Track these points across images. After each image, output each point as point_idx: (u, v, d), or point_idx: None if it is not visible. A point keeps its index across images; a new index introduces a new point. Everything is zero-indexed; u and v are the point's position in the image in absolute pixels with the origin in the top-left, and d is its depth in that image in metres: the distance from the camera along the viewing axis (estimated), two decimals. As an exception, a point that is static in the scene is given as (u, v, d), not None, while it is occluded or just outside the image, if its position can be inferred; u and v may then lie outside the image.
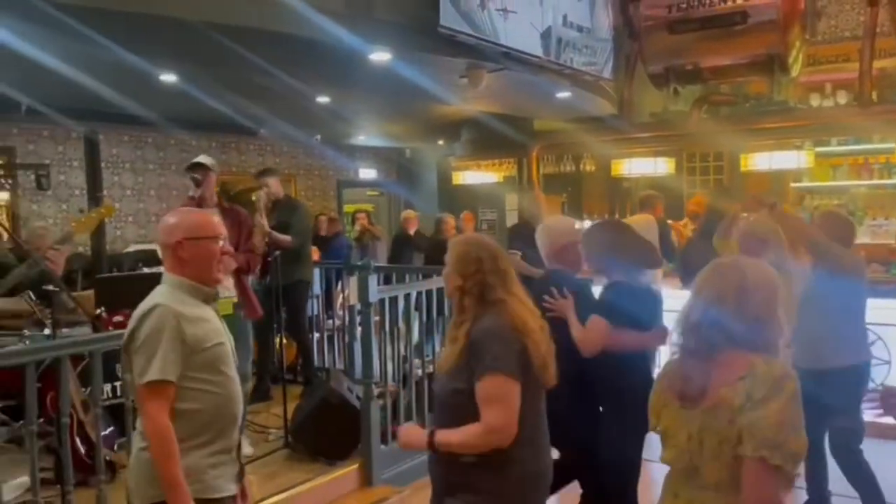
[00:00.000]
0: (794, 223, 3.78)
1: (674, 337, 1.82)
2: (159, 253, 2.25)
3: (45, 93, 5.81)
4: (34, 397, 2.79)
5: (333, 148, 10.71)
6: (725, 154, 9.05)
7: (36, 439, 2.91)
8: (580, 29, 6.33)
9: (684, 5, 7.46)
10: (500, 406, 2.06)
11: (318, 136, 9.99)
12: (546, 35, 5.72)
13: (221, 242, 2.20)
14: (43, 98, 5.96)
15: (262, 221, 4.99)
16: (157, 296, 2.11)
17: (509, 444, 2.08)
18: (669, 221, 7.62)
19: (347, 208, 11.49)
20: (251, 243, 4.49)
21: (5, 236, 5.33)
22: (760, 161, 8.12)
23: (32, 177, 7.34)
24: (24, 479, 3.88)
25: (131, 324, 2.07)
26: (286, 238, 5.16)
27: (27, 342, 4.36)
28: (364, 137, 10.65)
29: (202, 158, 4.45)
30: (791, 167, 8.25)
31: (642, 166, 8.81)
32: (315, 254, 7.70)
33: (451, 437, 2.12)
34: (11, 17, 3.46)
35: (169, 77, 5.35)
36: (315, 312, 6.61)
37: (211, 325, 2.15)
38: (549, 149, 9.83)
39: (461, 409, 2.12)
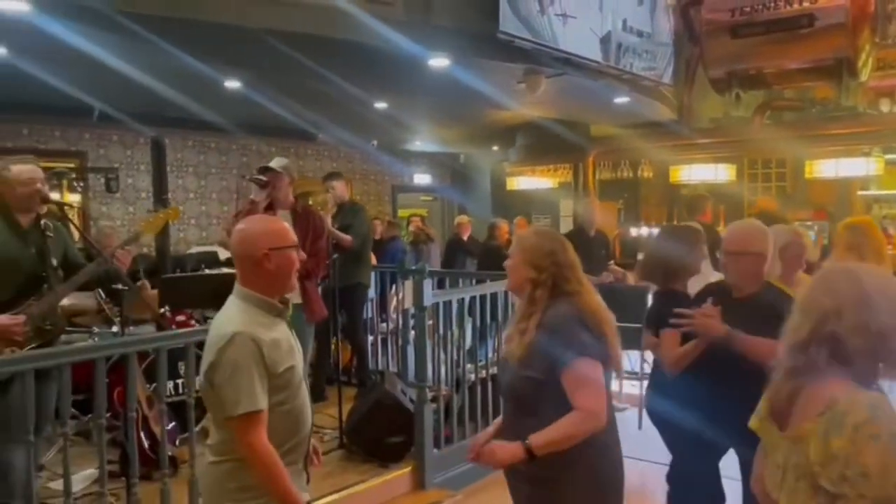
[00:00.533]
0: None
1: (781, 354, 1.64)
2: (221, 256, 2.24)
3: (117, 99, 6.05)
4: (104, 392, 2.89)
5: (389, 153, 10.82)
6: (789, 161, 8.79)
7: (103, 432, 3.01)
8: (640, 34, 6.25)
9: (748, 9, 7.32)
10: (592, 390, 2.07)
11: (375, 142, 10.11)
12: (606, 40, 5.66)
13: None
14: (114, 104, 6.19)
15: (328, 223, 5.08)
16: (233, 320, 2.02)
17: (604, 426, 2.08)
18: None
19: (402, 213, 11.59)
20: (318, 247, 4.51)
21: (76, 235, 5.55)
22: (826, 168, 7.87)
23: (102, 180, 7.64)
24: (91, 471, 4.03)
25: (210, 352, 2.01)
26: (347, 238, 5.23)
27: (96, 339, 4.55)
28: (419, 143, 10.72)
29: (274, 162, 4.50)
30: (859, 174, 7.98)
31: (702, 172, 8.64)
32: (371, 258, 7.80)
33: (550, 435, 2.05)
34: (88, 25, 3.61)
35: (233, 83, 5.50)
36: (370, 315, 6.68)
37: (284, 345, 2.09)
38: (605, 154, 9.74)
39: (533, 397, 2.13)
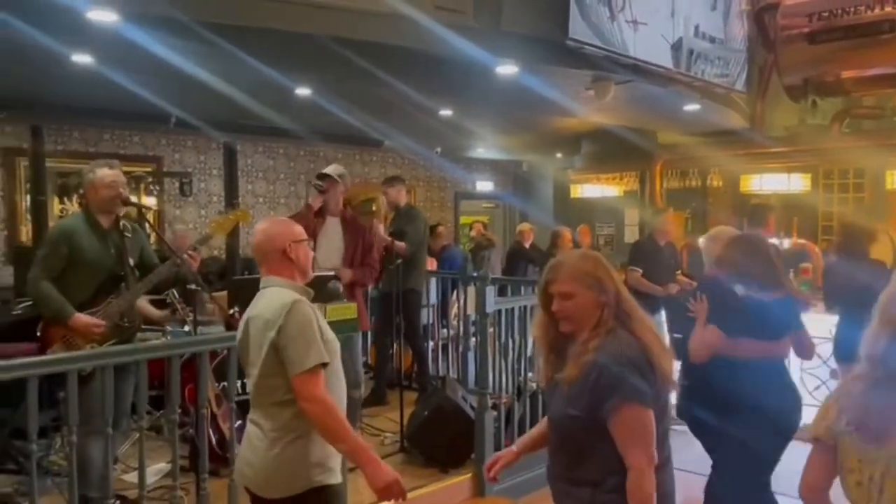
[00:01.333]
0: None
1: (861, 363, 1.64)
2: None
3: (193, 106, 6.26)
4: (178, 388, 2.99)
5: (452, 160, 10.87)
6: (867, 171, 8.42)
7: (176, 428, 3.11)
8: (713, 40, 6.10)
9: (826, 14, 7.07)
10: (642, 441, 2.00)
11: (439, 149, 10.16)
12: (677, 46, 5.55)
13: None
14: (190, 111, 6.42)
15: (379, 229, 5.15)
16: (288, 294, 2.26)
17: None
18: (802, 241, 7.18)
19: (463, 220, 11.61)
20: (371, 258, 4.60)
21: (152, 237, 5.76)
22: (909, 179, 7.51)
23: (177, 184, 7.92)
24: (161, 465, 4.17)
25: (277, 319, 2.18)
26: (401, 245, 5.27)
27: (168, 337, 4.71)
28: (482, 150, 10.73)
29: (331, 169, 4.63)
30: (944, 186, 7.58)
31: (774, 182, 8.37)
32: (430, 263, 7.84)
33: None
34: (168, 35, 3.75)
35: (304, 91, 5.62)
36: (430, 321, 6.71)
37: (324, 322, 2.33)
38: (673, 162, 9.54)
39: (574, 434, 2.07)
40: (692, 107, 6.59)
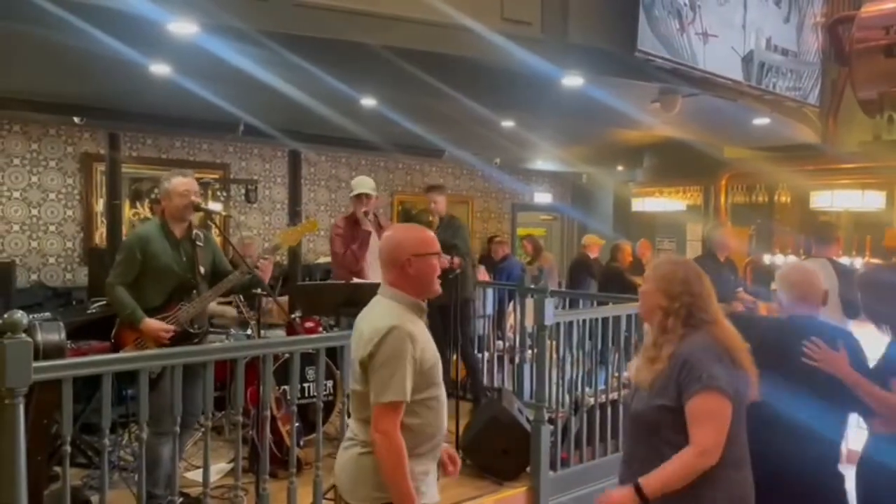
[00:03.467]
0: None
1: None
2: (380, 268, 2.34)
3: (260, 114, 6.43)
4: (242, 389, 3.06)
5: (510, 172, 10.85)
6: (949, 189, 8.05)
7: (240, 429, 3.17)
8: (785, 52, 5.94)
9: (905, 26, 6.80)
10: (712, 425, 2.05)
11: (498, 160, 10.16)
12: (748, 59, 5.42)
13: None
14: (257, 119, 6.59)
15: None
16: (389, 315, 2.19)
17: (714, 464, 2.05)
18: (875, 261, 6.89)
19: (520, 231, 11.57)
20: None
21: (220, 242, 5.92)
22: None
23: (243, 191, 8.12)
24: (222, 465, 4.26)
25: (370, 342, 2.16)
26: (457, 261, 5.25)
27: (231, 340, 4.82)
28: (541, 162, 10.68)
29: (369, 186, 4.80)
30: None
31: (847, 199, 8.06)
32: (483, 274, 7.83)
33: (661, 476, 2.07)
34: (241, 45, 3.87)
35: (369, 101, 5.70)
36: (485, 332, 6.70)
37: (429, 342, 2.24)
38: (740, 177, 9.30)
39: (662, 425, 2.12)
40: (762, 121, 6.42)
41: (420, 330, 2.23)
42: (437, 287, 2.30)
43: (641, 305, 2.32)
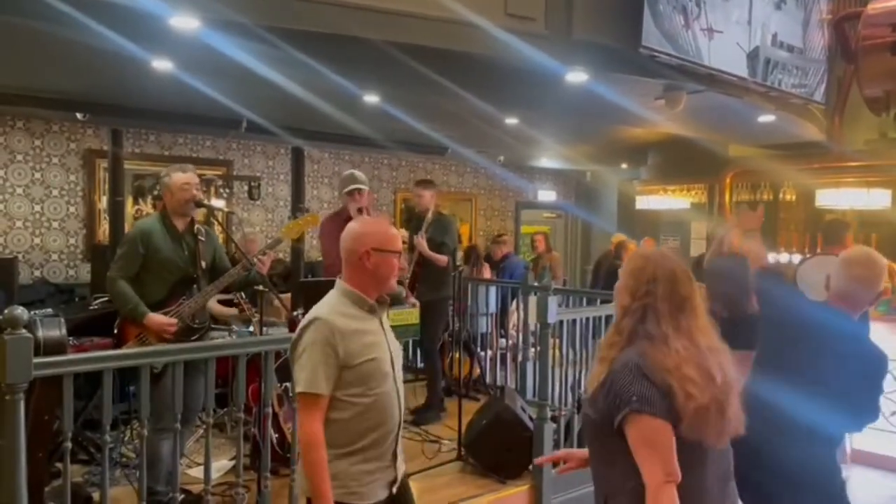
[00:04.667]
0: None
1: None
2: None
3: (263, 111, 6.42)
4: (244, 387, 3.05)
5: (514, 169, 10.83)
6: (955, 187, 8.00)
7: (241, 426, 3.17)
8: (791, 49, 5.89)
9: (912, 23, 6.75)
10: (657, 456, 1.80)
11: (502, 158, 10.14)
12: (753, 55, 5.38)
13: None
14: (261, 116, 6.58)
15: (423, 244, 5.13)
16: (322, 307, 2.18)
17: (679, 480, 1.81)
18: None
19: (524, 229, 11.55)
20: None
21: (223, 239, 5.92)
22: None
23: (246, 187, 8.12)
24: (223, 462, 4.26)
25: (297, 332, 2.17)
26: (442, 258, 5.21)
27: (234, 337, 4.82)
28: (546, 159, 10.66)
29: (362, 179, 4.79)
30: None
31: (852, 197, 8.01)
32: (486, 271, 7.81)
33: None
34: (243, 40, 3.85)
35: (372, 98, 5.68)
36: (488, 330, 6.69)
37: (368, 338, 2.18)
38: (744, 175, 9.27)
39: (592, 438, 2.00)
40: (767, 118, 6.39)
41: (362, 325, 2.18)
42: (392, 285, 2.27)
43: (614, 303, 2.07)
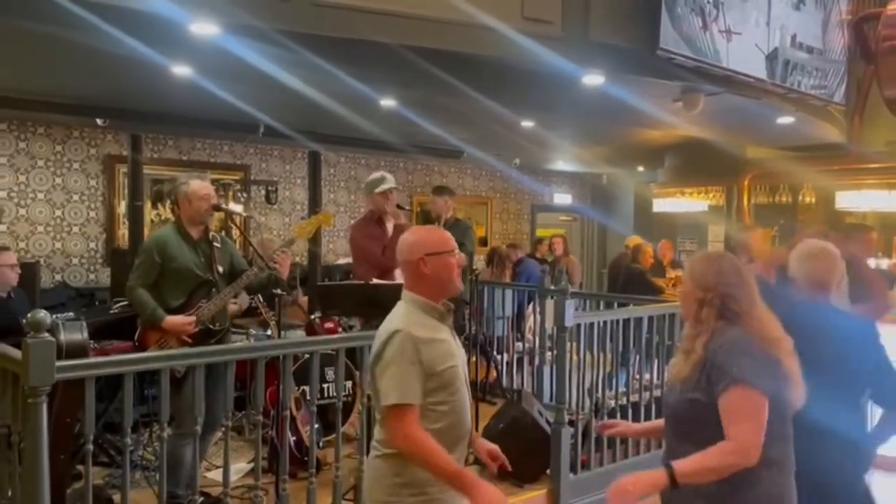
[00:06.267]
0: None
1: None
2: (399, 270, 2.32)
3: (281, 115, 6.45)
4: (262, 390, 3.06)
5: (530, 172, 10.80)
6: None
7: (260, 429, 3.17)
8: (810, 50, 5.84)
9: (933, 23, 6.67)
10: (747, 423, 1.99)
11: (517, 161, 10.12)
12: (772, 57, 5.33)
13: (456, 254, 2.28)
14: (277, 120, 6.62)
15: None
16: (398, 319, 2.17)
17: (754, 463, 1.98)
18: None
19: (540, 232, 11.51)
20: None
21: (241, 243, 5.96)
22: None
23: (263, 192, 8.17)
24: (241, 465, 4.28)
25: (375, 346, 2.16)
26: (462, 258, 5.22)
27: (252, 340, 4.84)
28: (561, 162, 10.63)
29: (391, 180, 4.72)
30: None
31: (873, 199, 7.93)
32: (508, 274, 7.80)
33: (695, 464, 2.00)
34: (262, 45, 3.88)
35: (389, 102, 5.69)
36: (504, 334, 6.67)
37: (445, 346, 2.19)
38: (763, 177, 9.19)
39: (698, 421, 2.08)
40: (786, 119, 6.34)
41: (437, 334, 2.18)
42: (458, 285, 2.26)
43: (681, 306, 2.31)
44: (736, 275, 2.17)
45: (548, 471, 4.23)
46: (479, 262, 7.96)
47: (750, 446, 1.96)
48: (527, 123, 6.82)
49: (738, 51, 4.98)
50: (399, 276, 2.39)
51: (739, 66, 5.01)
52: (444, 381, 2.15)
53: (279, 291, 4.06)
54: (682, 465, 2.01)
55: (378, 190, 4.66)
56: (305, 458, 3.59)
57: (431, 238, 2.26)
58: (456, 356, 2.23)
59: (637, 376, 5.14)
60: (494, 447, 2.41)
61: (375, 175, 4.87)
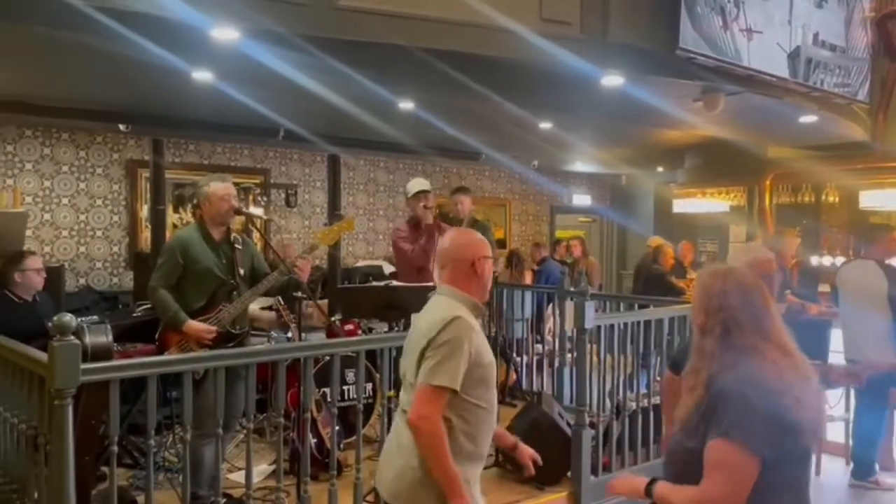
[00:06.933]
0: None
1: None
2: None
3: (300, 118, 6.49)
4: (284, 392, 3.08)
5: (548, 174, 10.77)
6: None
7: (281, 431, 3.19)
8: (833, 48, 5.76)
9: (958, 19, 6.56)
10: (723, 477, 1.77)
11: (536, 162, 10.10)
12: (794, 55, 5.27)
13: None
14: (297, 124, 6.66)
15: None
16: (454, 307, 2.20)
17: None
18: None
19: (559, 234, 11.47)
20: None
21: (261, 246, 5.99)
22: None
23: (283, 195, 8.22)
24: (263, 467, 4.30)
25: (431, 330, 2.15)
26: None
27: (272, 342, 4.87)
28: (580, 163, 10.58)
29: (427, 184, 5.00)
30: None
31: (898, 199, 7.81)
32: (528, 276, 7.79)
33: (669, 493, 1.90)
34: (282, 50, 3.91)
35: (407, 105, 5.71)
36: (523, 335, 6.65)
37: (486, 343, 2.24)
38: (785, 177, 9.08)
39: (690, 471, 1.86)
40: (808, 118, 6.26)
41: (479, 329, 2.24)
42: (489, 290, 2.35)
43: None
44: (742, 296, 1.89)
45: (569, 473, 4.21)
46: (499, 263, 7.95)
47: (719, 500, 1.79)
48: (545, 125, 6.81)
49: (760, 50, 4.92)
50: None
51: (761, 65, 4.96)
52: (486, 374, 2.19)
53: (300, 294, 4.08)
54: (661, 486, 1.93)
55: (410, 194, 5.02)
56: (326, 460, 3.60)
57: (484, 242, 2.35)
58: (492, 356, 2.27)
59: (658, 378, 5.10)
60: (535, 453, 2.47)
61: (414, 180, 5.18)
